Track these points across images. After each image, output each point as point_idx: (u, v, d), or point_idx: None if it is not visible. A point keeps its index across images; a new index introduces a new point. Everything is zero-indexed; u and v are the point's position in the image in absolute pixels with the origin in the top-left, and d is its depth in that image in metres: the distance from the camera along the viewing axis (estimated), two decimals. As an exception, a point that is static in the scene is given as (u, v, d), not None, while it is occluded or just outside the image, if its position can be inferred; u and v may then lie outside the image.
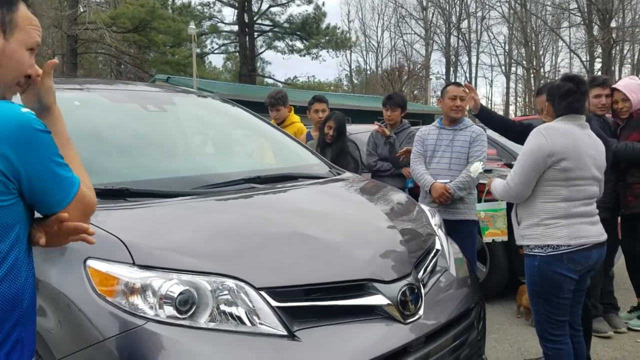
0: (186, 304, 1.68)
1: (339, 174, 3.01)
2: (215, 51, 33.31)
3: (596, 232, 2.47)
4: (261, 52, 32.61)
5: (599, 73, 35.08)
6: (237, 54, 32.18)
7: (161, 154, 2.62)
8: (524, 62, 41.87)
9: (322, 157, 3.29)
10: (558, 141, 2.39)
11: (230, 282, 1.76)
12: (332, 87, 42.14)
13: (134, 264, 1.72)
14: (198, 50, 29.76)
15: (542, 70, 41.60)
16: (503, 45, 44.71)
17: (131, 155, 2.53)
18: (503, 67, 45.61)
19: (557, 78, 3.05)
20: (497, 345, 3.65)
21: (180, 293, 1.69)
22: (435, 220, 2.72)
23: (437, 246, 2.48)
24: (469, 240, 3.76)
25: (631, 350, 3.51)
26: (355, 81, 48.55)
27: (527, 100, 43.16)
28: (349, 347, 1.81)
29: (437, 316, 2.13)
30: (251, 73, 29.96)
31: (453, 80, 42.90)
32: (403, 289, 2.00)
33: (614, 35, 30.03)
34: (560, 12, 34.90)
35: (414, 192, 4.16)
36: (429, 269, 2.28)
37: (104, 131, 2.54)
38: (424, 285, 2.18)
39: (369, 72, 47.37)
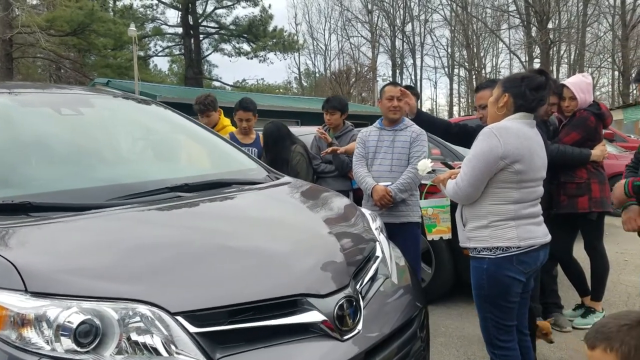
0: (88, 335, 1.47)
1: (277, 179, 2.83)
2: (159, 54, 32.48)
3: (542, 233, 2.39)
4: (207, 55, 32.03)
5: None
6: (182, 56, 31.48)
7: (73, 162, 2.36)
8: (466, 64, 42.97)
9: (259, 161, 3.11)
10: (512, 142, 2.26)
11: (142, 308, 1.55)
12: (281, 90, 41.94)
13: (26, 291, 1.49)
14: (141, 53, 28.92)
15: (483, 72, 42.80)
16: (446, 47, 45.84)
17: (38, 164, 2.27)
18: (446, 69, 46.75)
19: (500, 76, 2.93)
20: (443, 350, 3.57)
21: (81, 323, 1.47)
22: (376, 225, 2.59)
23: (378, 253, 2.34)
24: (413, 243, 3.68)
25: (578, 350, 3.49)
26: (305, 84, 48.53)
27: (469, 100, 44.30)
28: (281, 374, 1.64)
29: (378, 329, 1.99)
30: (197, 76, 29.36)
31: (400, 83, 43.60)
32: (340, 303, 1.84)
33: (551, 36, 31.22)
34: (499, 14, 36.05)
35: (359, 194, 4.04)
36: (367, 278, 2.14)
37: (6, 139, 2.27)
38: (363, 297, 2.03)
39: (317, 74, 47.48)
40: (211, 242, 1.92)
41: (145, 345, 1.52)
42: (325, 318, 1.79)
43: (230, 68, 77.96)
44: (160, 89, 19.46)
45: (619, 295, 4.51)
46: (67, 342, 1.45)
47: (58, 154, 2.35)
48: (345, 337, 1.83)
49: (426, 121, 3.39)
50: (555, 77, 37.97)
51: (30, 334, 1.45)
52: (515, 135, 2.27)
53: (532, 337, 2.77)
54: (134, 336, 1.52)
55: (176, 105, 3.11)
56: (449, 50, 45.25)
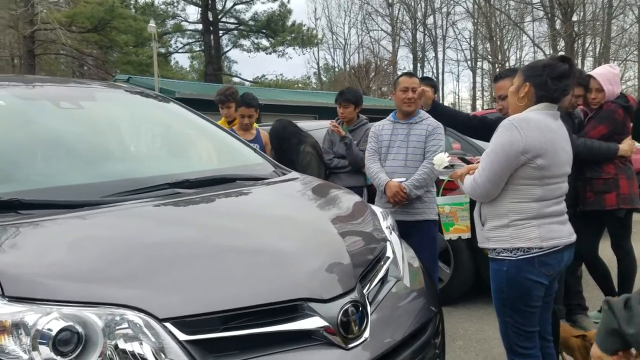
0: (68, 343, 1.36)
1: (284, 174, 2.71)
2: (180, 50, 32.65)
3: (567, 232, 2.22)
4: (227, 51, 32.07)
5: (563, 66, 35.71)
6: (202, 53, 31.57)
7: (69, 157, 2.26)
8: (489, 57, 42.27)
9: (266, 156, 2.98)
10: (533, 136, 2.09)
11: (129, 314, 1.44)
12: (300, 85, 41.81)
13: (3, 295, 1.39)
14: (162, 50, 29.07)
15: (507, 64, 42.06)
16: (468, 40, 45.06)
17: (31, 160, 2.17)
18: (469, 62, 46.01)
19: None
20: (462, 354, 3.41)
21: (61, 330, 1.36)
22: (387, 223, 2.45)
23: (389, 253, 2.19)
24: (430, 242, 3.52)
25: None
26: (324, 78, 48.31)
27: (492, 94, 43.58)
28: (278, 385, 1.51)
29: (388, 336, 1.85)
30: (217, 72, 29.40)
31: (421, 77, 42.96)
32: (345, 308, 1.71)
33: (575, 29, 30.53)
34: (523, 7, 35.31)
35: (374, 191, 3.89)
36: (376, 281, 2.00)
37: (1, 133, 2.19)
38: (371, 302, 1.89)
39: (336, 69, 47.22)
40: (206, 242, 1.79)
41: (132, 354, 1.41)
42: (327, 324, 1.65)
43: (249, 64, 77.95)
44: (179, 86, 19.50)
45: (648, 296, 4.28)
46: (46, 351, 1.34)
47: (53, 149, 2.26)
48: (351, 345, 1.69)
49: (443, 114, 3.23)
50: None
51: (6, 342, 1.35)
52: (537, 127, 2.10)
53: (555, 342, 2.61)
54: (120, 344, 1.41)
55: (195, 101, 3.02)
56: (472, 43, 44.54)
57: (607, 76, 3.51)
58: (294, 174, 2.76)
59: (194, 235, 1.81)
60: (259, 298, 1.60)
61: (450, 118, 3.26)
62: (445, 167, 2.49)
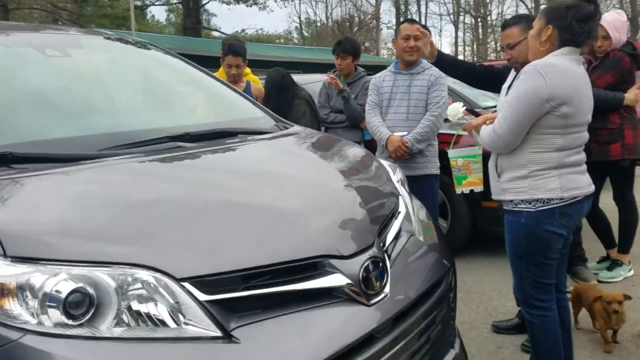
0: (79, 306, 1.26)
1: (286, 128, 2.58)
2: (156, 3, 31.56)
3: (587, 182, 2.16)
4: (205, 3, 31.07)
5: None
6: (180, 5, 30.54)
7: (61, 108, 2.10)
8: (472, 11, 41.73)
9: (267, 109, 2.85)
10: (559, 82, 1.99)
11: (143, 274, 1.34)
12: (281, 40, 40.99)
13: (5, 255, 1.27)
14: (138, 3, 28.02)
15: (488, 19, 41.63)
16: (451, -7, 44.32)
17: (21, 110, 2.00)
18: (452, 16, 45.40)
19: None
20: (462, 306, 3.40)
21: (71, 292, 1.26)
22: (397, 177, 2.36)
23: (401, 208, 2.11)
24: (431, 197, 3.46)
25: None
26: (306, 33, 47.39)
27: (474, 49, 43.32)
28: (302, 343, 1.44)
29: (406, 292, 1.78)
30: (196, 26, 28.51)
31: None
32: (365, 264, 1.63)
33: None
34: (508, -42, 34.71)
35: (371, 146, 3.80)
36: (392, 236, 1.92)
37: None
38: (389, 257, 1.82)
39: (319, 23, 46.27)
40: (218, 199, 1.68)
41: (148, 316, 1.32)
42: (350, 281, 1.58)
43: (229, 17, 75.85)
44: (158, 40, 18.89)
45: (643, 246, 4.32)
46: (56, 315, 1.24)
47: (43, 100, 2.08)
48: (372, 302, 1.62)
49: (449, 64, 3.10)
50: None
51: (11, 305, 1.24)
52: (562, 73, 2.00)
53: None
54: (135, 305, 1.31)
55: None
56: (455, -4, 43.84)
57: (615, 23, 3.40)
58: (296, 127, 2.63)
59: (203, 192, 1.70)
60: (279, 256, 1.51)
61: (455, 68, 3.14)
62: (459, 119, 2.38)
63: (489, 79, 3.05)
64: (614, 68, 3.38)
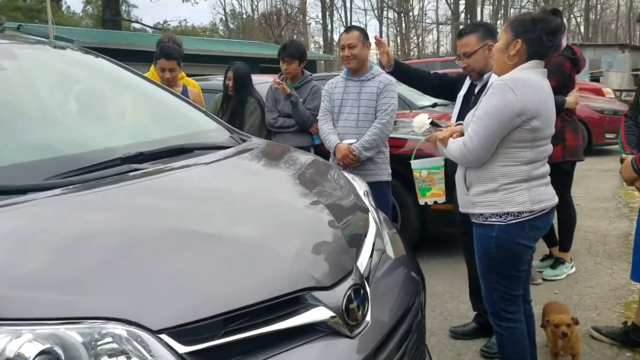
0: (49, 368, 1.10)
1: (243, 140, 2.45)
2: (72, -6, 29.82)
3: (552, 194, 2.19)
4: (126, -5, 29.73)
5: (463, 14, 37.08)
6: (98, -4, 29.09)
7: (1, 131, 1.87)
8: (395, 6, 42.59)
9: (219, 119, 2.69)
10: (529, 97, 1.99)
11: (118, 328, 1.19)
12: (207, 32, 40.06)
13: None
14: (52, -7, 26.36)
15: (410, 14, 42.73)
16: (375, -12, 45.03)
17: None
18: (376, 11, 46.14)
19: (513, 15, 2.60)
20: (419, 312, 3.41)
21: (40, 353, 1.10)
22: (362, 191, 2.30)
23: (372, 224, 2.05)
24: (384, 204, 3.42)
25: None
26: (232, 26, 46.58)
27: (398, 43, 44.30)
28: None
29: (387, 316, 1.72)
30: (115, 17, 27.08)
31: (330, 26, 42.75)
32: (348, 293, 1.55)
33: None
34: (429, -45, 35.70)
35: (321, 150, 3.73)
36: (367, 257, 1.84)
37: None
38: (367, 281, 1.74)
39: (244, 15, 45.60)
40: (188, 232, 1.53)
41: (122, 372, 1.17)
42: (333, 314, 1.49)
43: (150, 9, 73.13)
44: (77, 33, 17.87)
45: (581, 242, 4.53)
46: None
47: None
48: (355, 333, 1.55)
49: (405, 73, 3.09)
50: (479, 18, 38.67)
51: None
52: (532, 88, 2.00)
53: None
54: (106, 361, 1.16)
55: (96, 50, 2.56)
56: (378, -9, 44.58)
57: None
58: (255, 140, 2.50)
59: (171, 226, 1.54)
60: (260, 294, 1.39)
61: (411, 77, 3.13)
62: (425, 131, 2.35)
63: (443, 87, 3.06)
64: (556, 73, 3.48)
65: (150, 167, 1.89)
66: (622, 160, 2.48)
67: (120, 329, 1.19)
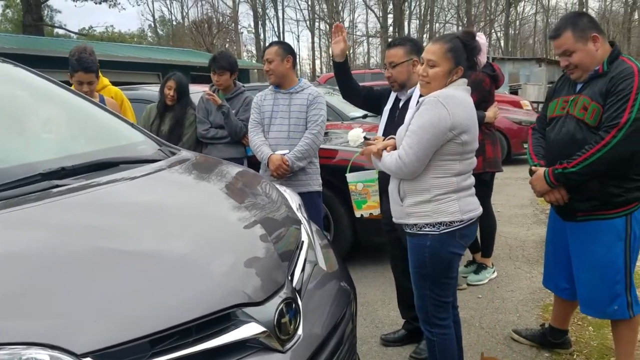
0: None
1: (173, 154, 2.41)
2: (-11, -4, 28.17)
3: (478, 204, 2.32)
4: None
5: (391, 28, 38.26)
6: (19, 0, 27.60)
7: None
8: (327, 18, 43.27)
9: (147, 132, 2.64)
10: (459, 112, 2.11)
11: (38, 352, 1.14)
12: (135, 39, 38.97)
13: None
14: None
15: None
16: (307, 0, 45.58)
17: None
18: (308, 22, 46.72)
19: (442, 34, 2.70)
20: (351, 320, 3.46)
21: None
22: (295, 204, 2.32)
23: (304, 237, 2.07)
24: (315, 214, 3.48)
25: (476, 308, 3.60)
26: (161, 32, 45.58)
27: (330, 54, 44.97)
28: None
29: (318, 329, 1.74)
30: (37, 22, 25.85)
31: (262, 35, 42.74)
32: (280, 308, 1.57)
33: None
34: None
35: (255, 162, 3.73)
36: (300, 270, 1.87)
37: None
38: (299, 294, 1.76)
39: (174, 22, 44.77)
40: (113, 250, 1.49)
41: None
42: (265, 329, 1.50)
43: (75, 14, 70.04)
44: (-7, 37, 16.86)
45: (502, 247, 4.76)
46: None
47: None
48: (287, 347, 1.56)
49: (347, 73, 3.10)
50: (407, 32, 40.03)
51: None
52: (461, 104, 2.14)
53: None
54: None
55: (17, 56, 2.42)
56: (309, 3, 45.14)
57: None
58: (184, 153, 2.47)
59: (95, 243, 1.50)
60: (189, 313, 1.38)
61: (350, 81, 3.14)
62: (359, 145, 2.41)
63: (369, 100, 3.14)
64: (476, 89, 3.65)
65: (74, 183, 1.83)
66: (531, 172, 2.63)
67: (43, 354, 1.15)
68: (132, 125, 2.63)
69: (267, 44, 3.70)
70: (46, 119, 2.42)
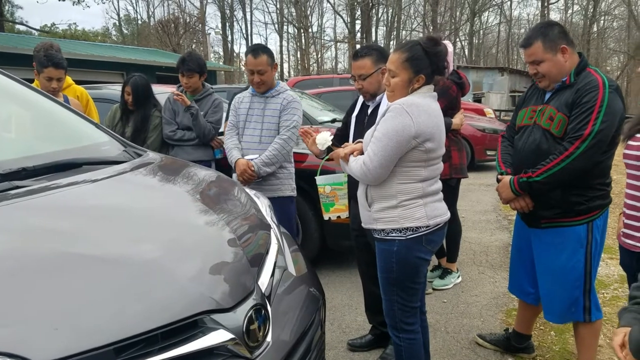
0: None
1: (138, 155, 2.35)
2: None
3: (445, 209, 2.33)
4: (8, -6, 27.54)
5: (359, 34, 38.60)
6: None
7: None
8: (295, 22, 43.33)
9: (112, 132, 2.57)
10: (424, 120, 2.11)
11: None
12: (99, 37, 38.16)
13: None
14: None
15: (310, 30, 43.68)
16: (275, 3, 45.54)
17: None
18: (276, 26, 46.64)
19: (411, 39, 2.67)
20: (318, 326, 3.45)
21: None
22: (265, 208, 2.29)
23: (274, 242, 2.05)
24: (287, 219, 3.46)
25: (442, 313, 3.63)
26: (126, 31, 44.76)
27: (298, 58, 45.06)
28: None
29: (287, 335, 1.73)
30: (-3, 18, 25.13)
31: (230, 37, 42.44)
32: (249, 314, 1.54)
33: (372, -2, 32.80)
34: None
35: (223, 164, 3.69)
36: (269, 276, 1.84)
37: None
38: (269, 300, 1.74)
39: (140, 22, 44.04)
40: (75, 255, 1.44)
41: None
42: (233, 336, 1.47)
43: (37, 10, 68.03)
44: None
45: (466, 253, 4.84)
46: None
47: None
48: (256, 354, 1.54)
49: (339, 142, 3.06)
50: (374, 39, 40.43)
51: None
52: (426, 112, 2.13)
53: None
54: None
55: None
56: (278, 6, 45.09)
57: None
58: (150, 155, 2.41)
59: (57, 248, 1.45)
60: (154, 320, 1.34)
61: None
62: (328, 147, 2.40)
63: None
64: (443, 96, 3.70)
65: (35, 185, 1.76)
66: (498, 179, 2.67)
67: (-1, 364, 1.09)
68: (96, 125, 2.55)
69: (246, 49, 3.64)
70: (6, 117, 2.32)
